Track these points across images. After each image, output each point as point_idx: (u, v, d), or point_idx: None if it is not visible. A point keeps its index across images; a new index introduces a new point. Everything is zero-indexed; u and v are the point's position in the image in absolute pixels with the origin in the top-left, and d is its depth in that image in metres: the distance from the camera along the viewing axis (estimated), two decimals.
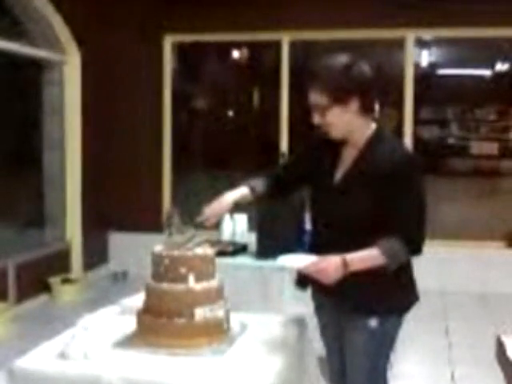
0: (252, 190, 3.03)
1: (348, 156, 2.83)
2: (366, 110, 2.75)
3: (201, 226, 2.95)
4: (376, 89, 2.79)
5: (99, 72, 7.83)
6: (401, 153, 2.76)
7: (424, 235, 2.73)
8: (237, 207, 3.07)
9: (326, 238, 2.85)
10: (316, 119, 2.76)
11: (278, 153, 7.69)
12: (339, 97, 2.67)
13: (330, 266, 2.65)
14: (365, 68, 2.72)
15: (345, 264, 2.64)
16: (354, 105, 2.71)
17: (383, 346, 2.87)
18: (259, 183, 3.06)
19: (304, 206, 4.45)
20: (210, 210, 3.02)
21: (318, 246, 2.87)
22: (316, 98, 2.71)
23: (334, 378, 3.10)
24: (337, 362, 3.03)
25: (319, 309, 3.10)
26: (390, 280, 2.75)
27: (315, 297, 3.09)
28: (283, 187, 3.13)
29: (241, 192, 3.03)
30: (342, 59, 2.71)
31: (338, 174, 2.83)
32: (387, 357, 2.91)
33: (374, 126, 2.81)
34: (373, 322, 2.78)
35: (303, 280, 2.97)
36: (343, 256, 2.65)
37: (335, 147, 2.86)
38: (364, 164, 2.75)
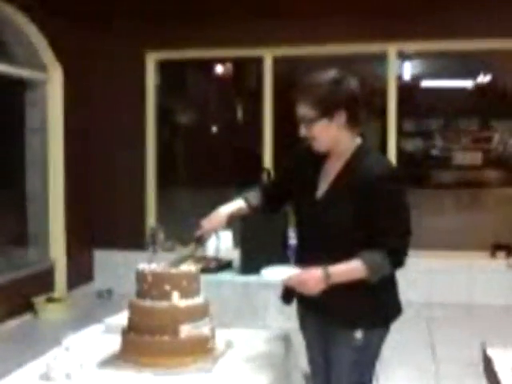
0: (247, 202, 3.05)
1: (332, 169, 2.83)
2: (353, 123, 2.77)
3: (200, 240, 2.96)
4: (363, 104, 2.81)
5: (81, 90, 7.81)
6: (384, 166, 2.78)
7: (407, 248, 2.75)
8: (233, 220, 3.07)
9: (311, 250, 2.86)
10: (302, 132, 2.78)
11: (262, 168, 7.68)
12: (326, 110, 2.70)
13: (311, 278, 2.68)
14: (353, 83, 2.76)
15: (327, 276, 2.66)
16: (341, 118, 2.73)
17: (368, 358, 2.87)
18: (254, 196, 3.08)
19: (288, 221, 4.45)
20: (208, 223, 3.00)
21: (304, 259, 2.88)
22: (304, 110, 2.73)
23: None
24: (322, 377, 3.02)
25: (304, 323, 3.09)
26: (373, 292, 2.76)
27: (300, 311, 3.09)
28: (275, 202, 3.15)
29: (237, 205, 3.05)
30: (331, 73, 2.75)
31: (322, 188, 2.84)
32: (373, 368, 2.91)
33: (359, 140, 2.83)
34: (358, 335, 2.78)
35: (288, 294, 2.98)
36: (325, 268, 2.67)
37: (318, 160, 2.87)
38: (348, 177, 2.76)
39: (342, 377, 2.86)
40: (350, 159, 2.79)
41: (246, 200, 3.06)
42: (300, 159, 2.97)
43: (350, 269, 2.68)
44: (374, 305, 2.81)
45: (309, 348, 3.11)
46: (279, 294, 3.07)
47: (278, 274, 2.84)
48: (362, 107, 2.81)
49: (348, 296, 2.74)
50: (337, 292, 2.70)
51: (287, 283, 2.79)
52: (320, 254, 2.76)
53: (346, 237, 2.73)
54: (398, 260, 2.72)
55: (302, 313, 3.09)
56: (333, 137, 2.76)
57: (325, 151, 2.83)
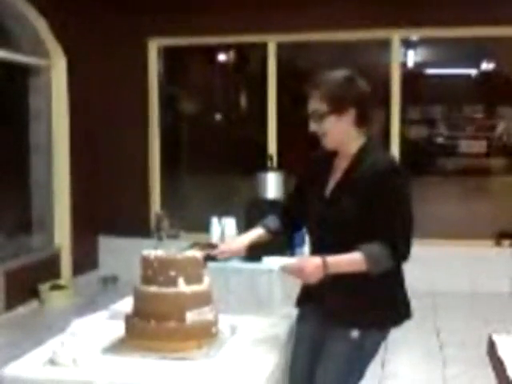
0: (267, 229, 3.13)
1: (339, 168, 2.89)
2: (361, 122, 2.83)
3: (212, 259, 2.99)
4: (371, 104, 2.88)
5: (85, 76, 7.80)
6: (386, 162, 2.81)
7: (409, 242, 2.75)
8: (254, 247, 3.13)
9: (320, 248, 2.86)
10: (312, 127, 2.84)
11: (266, 155, 7.68)
12: (338, 105, 2.77)
13: (309, 265, 2.70)
14: (363, 83, 2.85)
15: (325, 265, 2.68)
16: (351, 115, 2.80)
17: (361, 358, 2.86)
18: (272, 221, 3.17)
19: None
20: (226, 246, 3.11)
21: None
22: (315, 104, 2.80)
23: None
24: (303, 373, 2.98)
25: (301, 319, 3.08)
26: (375, 293, 2.79)
27: (300, 307, 3.10)
28: (295, 217, 3.17)
29: (256, 233, 3.13)
30: (343, 72, 2.84)
31: (330, 186, 2.89)
32: (363, 371, 2.90)
33: (364, 139, 2.88)
34: (354, 333, 2.79)
35: (304, 299, 3.03)
36: (324, 257, 2.69)
37: (329, 160, 2.94)
38: (352, 174, 2.81)
39: (330, 370, 2.84)
40: (355, 157, 2.84)
41: (265, 226, 3.14)
42: (312, 163, 3.05)
43: (349, 259, 2.70)
44: (374, 305, 2.81)
45: (298, 342, 3.06)
46: (296, 299, 3.10)
47: (278, 261, 2.87)
48: (371, 107, 2.88)
49: (348, 295, 2.78)
50: (337, 290, 2.75)
51: (285, 270, 2.81)
52: (328, 250, 2.76)
53: (352, 233, 2.75)
54: (398, 252, 2.72)
55: (302, 309, 3.09)
56: (342, 133, 2.82)
57: (334, 148, 2.89)
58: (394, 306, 2.89)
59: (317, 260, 2.69)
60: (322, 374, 2.85)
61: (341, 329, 2.81)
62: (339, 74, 2.83)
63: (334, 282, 2.71)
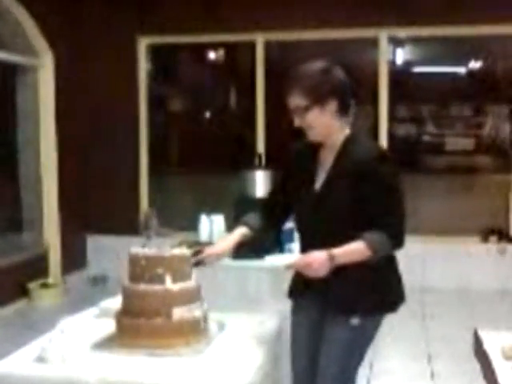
0: (250, 227, 3.12)
1: (327, 160, 2.90)
2: (343, 111, 2.85)
3: (199, 264, 3.00)
4: (351, 92, 2.88)
5: (73, 75, 7.80)
6: (373, 150, 2.84)
7: (404, 228, 2.79)
8: (240, 247, 3.15)
9: (313, 243, 2.86)
10: (296, 122, 2.85)
11: (255, 153, 7.69)
12: (318, 97, 2.77)
13: (316, 260, 2.72)
14: (340, 72, 2.85)
15: (331, 257, 2.71)
16: (332, 106, 2.80)
17: (361, 343, 2.91)
18: (254, 219, 3.14)
19: None
20: (211, 250, 3.09)
21: (306, 251, 2.89)
22: (296, 100, 2.80)
23: (299, 380, 3.09)
24: (303, 364, 3.03)
25: (297, 309, 3.11)
26: (373, 279, 2.83)
27: (294, 297, 3.12)
28: (278, 213, 3.18)
29: (240, 232, 3.11)
30: (319, 64, 2.84)
31: (320, 179, 2.90)
32: (363, 354, 2.95)
33: (348, 130, 2.89)
34: (354, 320, 2.83)
35: (296, 289, 3.05)
36: (329, 250, 2.71)
37: (314, 154, 2.94)
38: (340, 165, 2.83)
39: (332, 356, 2.88)
40: (342, 148, 2.85)
41: (246, 224, 3.12)
42: (296, 157, 3.04)
43: (353, 249, 2.73)
44: (374, 292, 2.86)
45: (296, 334, 3.09)
46: (287, 291, 3.13)
47: (281, 259, 2.89)
48: (351, 96, 2.88)
49: (347, 283, 2.81)
50: (337, 279, 2.76)
51: (292, 267, 2.84)
52: (322, 244, 2.78)
53: (347, 224, 2.79)
54: (397, 239, 2.77)
55: (296, 299, 3.11)
56: (326, 125, 2.83)
57: (320, 140, 2.89)
58: (390, 291, 2.94)
59: (322, 254, 2.71)
60: (324, 361, 2.89)
61: (341, 316, 2.84)
62: (315, 66, 2.83)
63: (333, 272, 2.73)
